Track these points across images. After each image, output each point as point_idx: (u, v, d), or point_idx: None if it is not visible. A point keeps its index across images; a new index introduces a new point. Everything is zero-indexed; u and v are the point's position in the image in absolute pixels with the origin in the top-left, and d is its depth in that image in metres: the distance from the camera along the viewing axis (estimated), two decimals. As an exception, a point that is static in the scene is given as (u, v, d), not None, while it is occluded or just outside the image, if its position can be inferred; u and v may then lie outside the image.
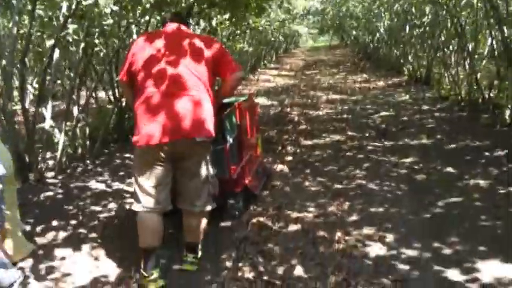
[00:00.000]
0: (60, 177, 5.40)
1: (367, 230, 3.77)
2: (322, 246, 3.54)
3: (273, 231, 3.83)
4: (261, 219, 4.02)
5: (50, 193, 4.90)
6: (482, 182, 4.61)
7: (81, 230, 4.00)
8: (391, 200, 4.37)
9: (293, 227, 3.91)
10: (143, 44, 3.23)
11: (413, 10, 10.57)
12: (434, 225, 3.79)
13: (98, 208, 4.51)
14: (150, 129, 2.97)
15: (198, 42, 3.23)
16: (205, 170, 3.23)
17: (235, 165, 4.06)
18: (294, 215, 4.13)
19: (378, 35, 16.63)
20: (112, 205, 4.60)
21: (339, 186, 4.86)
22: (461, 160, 5.34)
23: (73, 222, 4.16)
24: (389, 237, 3.61)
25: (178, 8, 6.78)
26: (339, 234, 3.69)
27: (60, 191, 4.99)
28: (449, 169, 5.08)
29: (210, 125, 3.12)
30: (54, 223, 4.11)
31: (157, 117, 2.99)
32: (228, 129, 3.95)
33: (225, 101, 3.85)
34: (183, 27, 3.39)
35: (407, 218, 3.95)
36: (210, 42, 3.32)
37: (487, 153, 5.47)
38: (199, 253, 3.35)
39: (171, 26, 3.35)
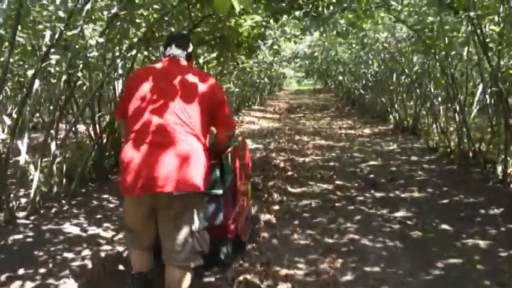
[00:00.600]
0: (32, 217, 5.04)
1: (363, 293, 3.49)
2: (315, 310, 3.24)
3: (261, 291, 3.53)
4: (248, 276, 3.69)
5: (20, 236, 4.53)
6: (481, 243, 4.37)
7: (51, 281, 3.64)
8: (386, 259, 4.10)
9: (282, 286, 3.61)
10: (136, 80, 3.10)
11: (402, 59, 10.51)
12: (435, 290, 3.53)
13: (70, 255, 4.16)
14: (129, 178, 2.87)
15: (198, 86, 3.01)
16: (188, 224, 2.97)
17: (231, 210, 3.92)
18: (283, 272, 3.83)
19: (364, 81, 16.62)
20: (86, 252, 4.25)
21: (330, 240, 4.59)
22: (457, 217, 5.11)
23: (42, 271, 3.80)
24: (388, 303, 3.34)
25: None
26: (333, 297, 3.40)
27: (31, 234, 4.63)
28: (445, 226, 4.85)
29: (195, 179, 2.90)
30: (21, 271, 3.76)
31: (137, 166, 2.85)
32: (226, 174, 3.79)
33: None
34: (182, 65, 3.14)
35: (406, 280, 3.69)
36: (213, 87, 3.08)
37: (482, 211, 5.25)
38: None
39: (168, 61, 3.14)
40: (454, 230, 4.74)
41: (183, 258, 2.97)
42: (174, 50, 3.14)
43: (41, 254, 4.16)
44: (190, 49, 3.22)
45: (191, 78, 3.04)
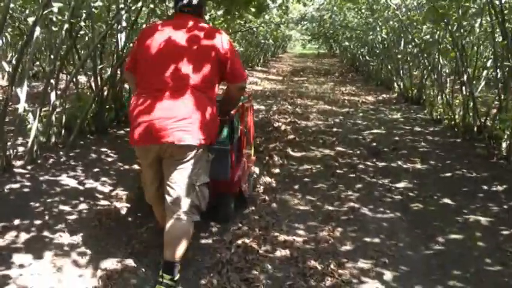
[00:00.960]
0: (29, 167, 4.95)
1: (362, 264, 3.44)
2: (313, 279, 3.18)
3: (259, 256, 3.47)
4: (246, 240, 3.63)
5: (16, 185, 4.44)
6: (482, 219, 4.30)
7: (46, 233, 3.58)
8: (387, 230, 4.04)
9: (281, 252, 3.56)
10: (149, 35, 3.17)
11: (411, 28, 10.29)
12: (435, 265, 3.47)
13: (66, 208, 4.09)
14: (138, 130, 3.00)
15: (208, 40, 3.10)
16: (189, 177, 3.03)
17: (236, 167, 4.03)
18: (282, 237, 3.78)
19: (370, 48, 16.39)
20: (82, 206, 4.18)
21: (330, 207, 4.53)
22: (459, 191, 5.03)
23: (38, 222, 3.73)
24: (388, 275, 3.29)
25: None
26: (332, 266, 3.34)
27: (27, 183, 4.54)
28: (447, 200, 4.78)
29: (199, 132, 2.99)
30: (16, 222, 3.69)
31: (144, 118, 2.97)
32: (234, 131, 3.96)
33: None
34: (194, 21, 3.20)
35: (405, 254, 3.63)
36: (222, 41, 3.14)
37: (485, 187, 5.16)
38: (177, 275, 2.97)
39: (181, 18, 3.23)
40: (455, 204, 4.68)
41: (180, 211, 3.01)
42: (185, 6, 3.22)
43: (37, 205, 4.08)
44: (201, 4, 3.29)
45: (201, 33, 3.11)
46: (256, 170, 5.21)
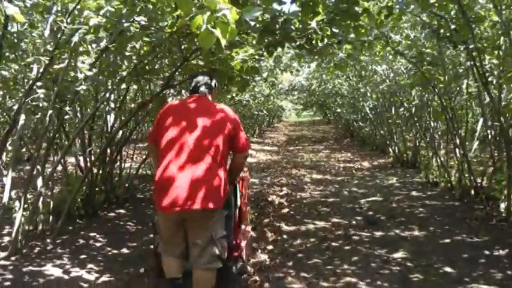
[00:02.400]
0: (13, 258, 4.81)
1: None
2: None
3: None
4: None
5: (-3, 278, 4.28)
6: (485, 288, 4.12)
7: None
8: (385, 306, 3.85)
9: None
10: (167, 112, 3.66)
11: (401, 92, 10.35)
12: None
13: (47, 301, 3.92)
14: (162, 198, 3.42)
15: (221, 117, 3.58)
16: (210, 232, 3.52)
17: (237, 231, 4.38)
18: (275, 323, 3.59)
19: (362, 113, 16.50)
20: (65, 297, 4.01)
21: (325, 284, 4.33)
22: (459, 258, 4.86)
23: (15, 320, 3.55)
24: None
25: (159, 77, 6.44)
26: None
27: (9, 276, 4.39)
28: (447, 268, 4.60)
29: (217, 198, 3.45)
30: (-8, 321, 3.51)
31: (167, 188, 3.39)
32: (236, 198, 4.26)
33: None
34: (206, 100, 3.73)
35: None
36: (231, 118, 3.65)
37: (486, 252, 5.00)
38: None
39: (194, 98, 3.72)
40: (457, 272, 4.50)
41: (205, 261, 3.53)
42: (200, 88, 3.78)
43: (17, 300, 3.91)
44: (212, 87, 3.86)
45: (214, 111, 3.62)
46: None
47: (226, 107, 3.77)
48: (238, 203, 4.36)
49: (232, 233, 4.12)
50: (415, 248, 5.24)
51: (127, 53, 5.60)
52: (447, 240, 5.47)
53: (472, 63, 6.03)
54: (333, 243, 5.50)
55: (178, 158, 3.43)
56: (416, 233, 5.82)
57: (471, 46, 5.71)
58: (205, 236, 3.52)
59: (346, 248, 5.35)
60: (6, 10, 3.53)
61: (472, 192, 7.15)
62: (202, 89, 3.78)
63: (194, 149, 3.44)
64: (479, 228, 5.81)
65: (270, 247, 5.36)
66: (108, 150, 7.09)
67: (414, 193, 8.17)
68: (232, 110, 3.84)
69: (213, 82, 3.91)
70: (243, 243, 4.52)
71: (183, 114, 3.60)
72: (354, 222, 6.41)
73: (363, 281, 4.38)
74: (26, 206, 5.25)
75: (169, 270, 3.73)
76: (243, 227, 4.65)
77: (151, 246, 4.88)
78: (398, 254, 5.07)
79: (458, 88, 7.78)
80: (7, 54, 5.20)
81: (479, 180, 7.16)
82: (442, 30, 6.00)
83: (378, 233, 5.86)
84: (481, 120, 7.49)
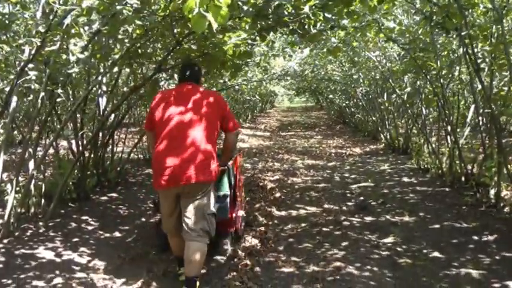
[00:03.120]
0: (5, 241, 4.81)
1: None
2: None
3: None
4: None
5: (-11, 260, 4.29)
6: (474, 272, 4.17)
7: (15, 314, 3.41)
8: (375, 290, 3.88)
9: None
10: (160, 100, 4.03)
11: (393, 78, 10.35)
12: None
13: (40, 283, 3.95)
14: (160, 176, 3.80)
15: (209, 101, 3.98)
16: (203, 206, 3.86)
17: (232, 209, 4.70)
18: (265, 304, 3.62)
19: (355, 100, 16.51)
20: (57, 280, 4.04)
21: (315, 268, 4.37)
22: (448, 243, 4.91)
23: (7, 301, 3.57)
24: None
25: (152, 61, 6.41)
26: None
27: (1, 258, 4.41)
28: (436, 253, 4.64)
29: (208, 173, 3.83)
30: (-16, 302, 3.53)
31: (165, 166, 3.77)
32: (231, 178, 4.63)
33: None
34: (195, 87, 4.09)
35: (394, 316, 3.47)
36: (218, 101, 4.07)
37: (475, 237, 5.04)
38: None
39: (184, 85, 4.12)
40: (445, 257, 4.54)
41: (195, 234, 3.82)
42: (187, 77, 4.16)
43: (9, 282, 3.95)
44: (199, 75, 4.32)
45: (202, 95, 4.01)
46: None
47: (214, 92, 4.27)
48: (233, 182, 4.72)
49: (228, 211, 4.46)
50: (405, 233, 5.28)
51: (119, 36, 5.56)
52: (437, 226, 5.51)
53: (464, 50, 6.04)
54: (324, 228, 5.54)
55: (172, 141, 3.81)
56: (406, 218, 5.86)
57: (463, 33, 5.71)
58: (196, 211, 3.84)
59: (337, 233, 5.39)
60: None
61: (463, 178, 7.19)
62: (191, 77, 4.16)
63: (186, 131, 3.81)
64: (469, 214, 5.86)
65: (261, 232, 5.39)
66: (100, 134, 7.08)
67: (405, 179, 8.21)
68: (223, 95, 3.96)
69: (200, 72, 4.37)
70: (239, 219, 5.02)
71: (175, 100, 3.98)
72: (344, 207, 6.44)
73: (353, 265, 4.42)
74: (18, 188, 5.24)
75: (176, 249, 4.12)
76: (239, 204, 5.07)
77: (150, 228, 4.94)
78: (388, 239, 5.11)
79: (450, 75, 7.79)
80: (-1, 35, 5.16)
81: (469, 167, 7.21)
82: (434, 17, 5.99)
83: (369, 219, 5.90)
84: (473, 107, 7.51)
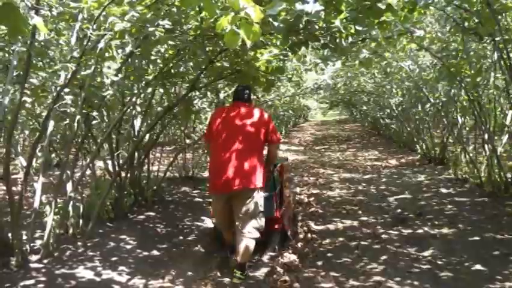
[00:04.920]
0: (45, 261, 4.86)
1: None
2: None
3: None
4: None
5: (31, 281, 4.34)
6: (518, 286, 4.06)
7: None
8: (416, 305, 3.81)
9: None
10: (216, 115, 4.88)
11: (426, 87, 10.22)
12: None
13: (80, 304, 3.98)
14: (214, 183, 4.65)
15: (256, 118, 4.71)
16: (251, 208, 4.55)
17: (279, 208, 5.29)
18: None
19: (388, 110, 16.35)
20: (97, 301, 4.07)
21: (355, 283, 4.33)
22: (490, 256, 4.80)
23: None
24: None
25: (185, 80, 6.48)
26: None
27: (42, 279, 4.44)
28: (478, 266, 4.54)
29: (255, 180, 4.53)
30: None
31: (218, 174, 4.56)
32: (276, 182, 5.40)
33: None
34: (245, 105, 4.81)
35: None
36: (264, 118, 4.76)
37: (517, 249, 4.92)
38: (247, 272, 4.61)
39: (237, 103, 4.84)
40: (488, 270, 4.44)
41: (247, 231, 4.55)
42: (239, 97, 4.89)
43: (50, 302, 3.98)
44: (250, 95, 4.99)
45: (251, 113, 4.76)
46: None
47: (261, 109, 4.94)
48: (278, 186, 5.45)
49: (273, 210, 5.13)
50: (444, 246, 5.20)
51: (152, 57, 5.65)
52: (477, 238, 5.40)
53: (499, 55, 5.94)
54: (362, 242, 5.49)
55: (225, 152, 4.55)
56: (445, 230, 5.76)
57: (497, 38, 5.62)
58: (246, 211, 4.54)
59: (375, 246, 5.33)
60: (31, 20, 3.60)
61: (502, 187, 7.04)
62: (243, 97, 4.87)
63: (237, 143, 4.56)
64: (510, 225, 5.72)
65: (299, 246, 5.37)
66: (136, 154, 7.15)
67: (443, 190, 8.08)
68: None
69: (250, 94, 5.00)
70: (285, 220, 5.50)
71: (228, 117, 4.74)
72: (382, 220, 6.38)
73: (393, 279, 4.36)
74: (56, 210, 5.32)
75: (228, 238, 4.94)
76: (284, 207, 5.56)
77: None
78: (428, 252, 5.03)
79: (485, 82, 7.67)
80: (35, 62, 5.29)
81: (509, 175, 7.05)
82: (466, 23, 5.91)
83: (407, 231, 5.82)
84: (510, 113, 7.36)
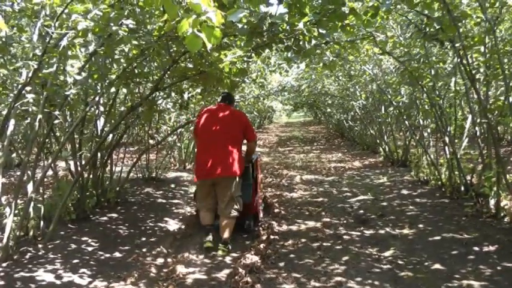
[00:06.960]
0: (4, 264, 4.77)
1: None
2: None
3: None
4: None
5: (-13, 285, 4.26)
6: (475, 284, 4.16)
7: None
8: (376, 304, 3.86)
9: None
10: (203, 114, 5.72)
11: (390, 90, 10.37)
12: None
13: (38, 307, 3.91)
14: (199, 171, 5.56)
15: (235, 117, 5.64)
16: (232, 192, 5.49)
17: (254, 195, 6.15)
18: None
19: (352, 113, 16.52)
20: (56, 303, 4.00)
21: (316, 284, 4.36)
22: (449, 255, 4.90)
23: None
24: None
25: (149, 80, 6.43)
26: None
27: (1, 283, 4.34)
28: (437, 265, 4.64)
29: (235, 169, 5.46)
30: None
31: (204, 163, 5.49)
32: (253, 172, 6.24)
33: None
34: (228, 108, 5.70)
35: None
36: (243, 118, 5.76)
37: (476, 248, 5.03)
38: (229, 246, 5.46)
39: (220, 105, 5.75)
40: (446, 269, 4.53)
41: (228, 212, 5.50)
42: (223, 100, 5.82)
43: (9, 305, 3.90)
44: (232, 99, 5.98)
45: (232, 113, 5.66)
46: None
47: (240, 111, 6.10)
48: (254, 175, 6.26)
49: (250, 196, 6.00)
50: (405, 246, 5.28)
51: (116, 56, 5.59)
52: (437, 238, 5.51)
53: (459, 60, 6.07)
54: (324, 243, 5.53)
55: (209, 144, 5.51)
56: (406, 231, 5.86)
57: (457, 44, 5.74)
58: (228, 195, 5.47)
59: (337, 247, 5.38)
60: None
61: (462, 189, 7.20)
62: (226, 100, 5.81)
63: (220, 138, 5.48)
64: (469, 224, 5.85)
65: (261, 247, 5.38)
66: (99, 154, 7.07)
67: (404, 191, 8.22)
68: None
69: (233, 98, 6.06)
70: (259, 205, 6.45)
71: (212, 116, 5.63)
72: (344, 221, 6.45)
73: (354, 280, 4.41)
74: (16, 211, 5.22)
75: (204, 219, 5.68)
76: (258, 193, 6.44)
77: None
78: (389, 252, 5.11)
79: (446, 86, 7.82)
80: (-4, 59, 5.18)
81: (468, 178, 7.21)
82: (428, 29, 6.02)
83: (369, 232, 5.90)
84: (470, 117, 7.53)
